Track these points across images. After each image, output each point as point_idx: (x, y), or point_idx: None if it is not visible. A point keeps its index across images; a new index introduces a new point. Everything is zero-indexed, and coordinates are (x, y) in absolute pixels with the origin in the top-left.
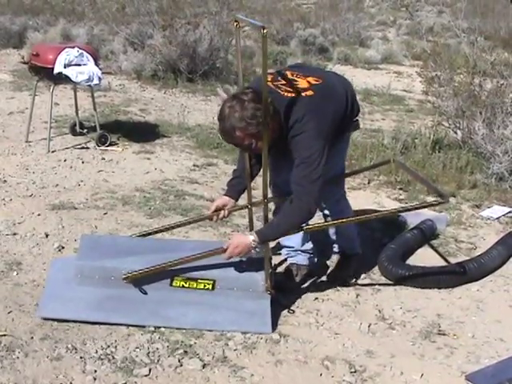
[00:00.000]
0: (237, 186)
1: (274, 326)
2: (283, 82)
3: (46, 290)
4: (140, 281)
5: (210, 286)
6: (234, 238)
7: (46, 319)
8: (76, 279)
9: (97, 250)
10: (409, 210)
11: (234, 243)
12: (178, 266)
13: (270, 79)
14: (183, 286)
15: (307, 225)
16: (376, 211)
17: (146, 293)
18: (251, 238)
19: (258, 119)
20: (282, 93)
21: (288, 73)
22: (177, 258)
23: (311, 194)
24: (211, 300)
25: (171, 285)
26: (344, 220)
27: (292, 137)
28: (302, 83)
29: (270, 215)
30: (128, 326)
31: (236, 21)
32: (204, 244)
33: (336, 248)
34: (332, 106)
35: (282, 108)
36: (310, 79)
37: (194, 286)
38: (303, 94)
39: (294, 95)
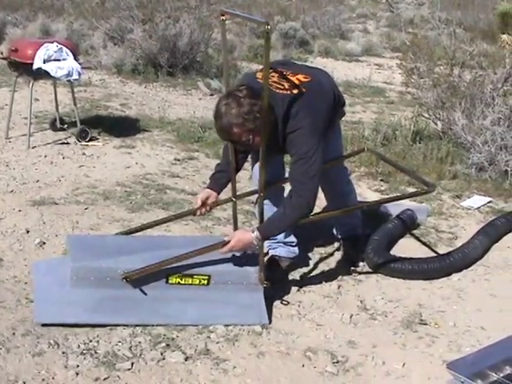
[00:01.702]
0: (219, 180)
1: (270, 316)
2: (274, 79)
3: (38, 294)
4: (137, 280)
5: (206, 282)
6: (236, 234)
7: (44, 325)
8: (71, 282)
9: (88, 251)
10: (399, 198)
11: (235, 239)
12: (177, 263)
13: (260, 77)
14: (179, 283)
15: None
16: (361, 202)
17: (143, 291)
18: (253, 235)
19: (255, 114)
20: (274, 90)
21: (277, 70)
22: (171, 255)
23: (311, 190)
24: (207, 295)
25: (167, 282)
26: (335, 212)
27: (288, 133)
28: (292, 81)
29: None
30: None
31: (222, 14)
32: (194, 239)
33: (341, 233)
34: (324, 103)
35: (275, 105)
36: (300, 77)
37: (190, 282)
38: (295, 91)
39: (286, 92)
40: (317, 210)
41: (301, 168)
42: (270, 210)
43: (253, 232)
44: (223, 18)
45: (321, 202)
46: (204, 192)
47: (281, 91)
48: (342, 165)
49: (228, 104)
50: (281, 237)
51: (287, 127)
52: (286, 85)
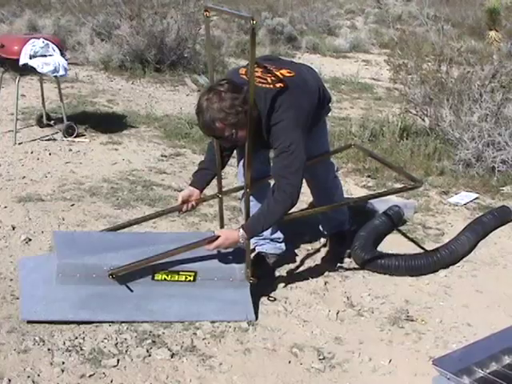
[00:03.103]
0: (203, 177)
1: (256, 313)
2: (258, 74)
3: (24, 291)
4: (122, 276)
5: (192, 278)
6: (223, 232)
7: (30, 322)
8: (57, 279)
9: (74, 248)
10: (386, 194)
11: (223, 237)
12: (163, 260)
13: (243, 72)
14: (165, 279)
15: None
16: (348, 198)
17: (129, 288)
18: (240, 233)
19: (237, 108)
20: (257, 84)
21: (261, 65)
22: (157, 251)
23: (294, 185)
24: (194, 291)
25: (153, 279)
26: (322, 208)
27: (271, 126)
28: (275, 75)
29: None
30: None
31: (206, 10)
32: (181, 235)
33: (327, 229)
34: (307, 98)
35: (258, 99)
36: (283, 71)
37: (176, 278)
38: (278, 86)
39: (268, 86)
40: (304, 205)
41: (283, 162)
42: (256, 206)
43: (239, 231)
44: (207, 13)
45: (308, 197)
46: (187, 190)
47: (264, 85)
48: (329, 161)
49: (209, 99)
50: (267, 233)
51: (270, 120)
52: (269, 79)
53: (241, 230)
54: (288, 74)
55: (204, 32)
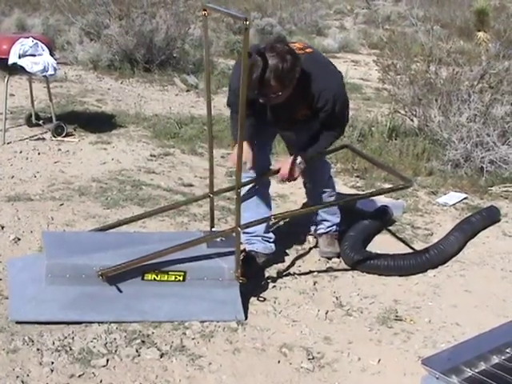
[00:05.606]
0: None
1: (246, 312)
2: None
3: (13, 292)
4: (112, 277)
5: (181, 278)
6: (282, 164)
7: (19, 323)
8: (46, 279)
9: (64, 248)
10: (377, 194)
11: (285, 167)
12: (153, 260)
13: (299, 45)
14: (155, 279)
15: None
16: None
17: (119, 288)
18: (298, 160)
19: (294, 73)
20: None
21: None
22: (147, 251)
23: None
24: (183, 291)
25: (143, 279)
26: (313, 207)
27: (317, 91)
28: (297, 46)
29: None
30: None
31: (204, 9)
32: (170, 235)
33: (318, 229)
34: (332, 65)
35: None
36: (300, 43)
37: (166, 278)
38: (308, 50)
39: (301, 52)
40: (296, 206)
41: (336, 131)
42: (250, 203)
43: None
44: (205, 13)
45: (300, 198)
46: (251, 152)
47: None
48: (326, 161)
49: (272, 57)
50: (260, 230)
51: (313, 84)
52: (296, 48)
53: (298, 158)
54: (304, 44)
55: (193, 32)
